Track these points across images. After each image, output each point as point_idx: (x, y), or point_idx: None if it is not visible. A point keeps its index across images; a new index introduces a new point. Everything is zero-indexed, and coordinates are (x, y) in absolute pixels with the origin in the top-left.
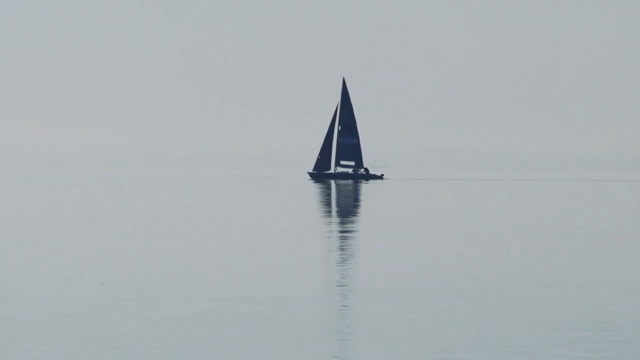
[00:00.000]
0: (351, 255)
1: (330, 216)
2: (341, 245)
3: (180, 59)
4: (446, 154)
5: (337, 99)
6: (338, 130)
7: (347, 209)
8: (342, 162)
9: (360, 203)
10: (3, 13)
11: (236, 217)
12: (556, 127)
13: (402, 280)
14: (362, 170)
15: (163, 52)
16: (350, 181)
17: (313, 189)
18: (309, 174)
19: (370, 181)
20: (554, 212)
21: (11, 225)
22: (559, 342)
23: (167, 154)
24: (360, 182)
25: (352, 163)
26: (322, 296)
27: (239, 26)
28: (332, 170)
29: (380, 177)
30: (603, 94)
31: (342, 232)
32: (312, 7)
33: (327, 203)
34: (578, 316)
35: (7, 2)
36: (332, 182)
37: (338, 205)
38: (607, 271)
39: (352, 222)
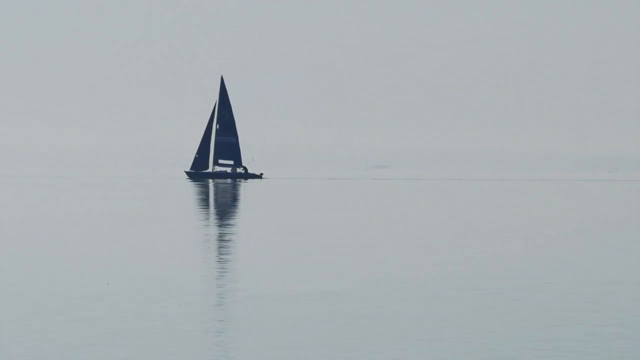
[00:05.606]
0: (225, 255)
1: (206, 216)
2: (215, 246)
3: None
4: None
5: (216, 97)
6: (216, 129)
7: (223, 208)
8: (220, 161)
9: (237, 202)
10: (5, 14)
11: (104, 219)
12: (555, 128)
13: (279, 281)
14: (241, 169)
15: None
16: (228, 180)
17: (189, 188)
18: (187, 173)
19: (249, 180)
20: (528, 212)
21: (9, 225)
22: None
23: (44, 152)
24: (239, 181)
25: (231, 162)
26: (197, 298)
27: (115, 24)
28: (210, 170)
29: (260, 176)
30: (603, 94)
31: (218, 233)
32: (191, 6)
33: (204, 202)
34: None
35: (8, 3)
36: (210, 181)
37: (215, 204)
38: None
39: (228, 222)
